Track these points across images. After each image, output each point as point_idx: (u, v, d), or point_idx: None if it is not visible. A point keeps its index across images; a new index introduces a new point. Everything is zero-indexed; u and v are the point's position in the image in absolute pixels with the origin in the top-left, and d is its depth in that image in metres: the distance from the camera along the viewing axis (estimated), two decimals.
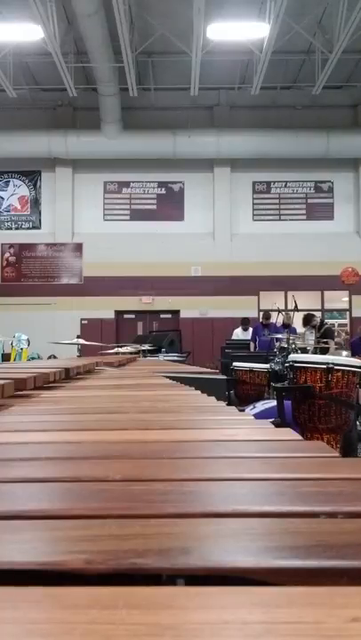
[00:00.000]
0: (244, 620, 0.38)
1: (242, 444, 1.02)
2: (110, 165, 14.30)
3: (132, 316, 14.53)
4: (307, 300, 12.58)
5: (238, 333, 12.14)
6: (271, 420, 2.47)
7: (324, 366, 4.20)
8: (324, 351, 8.16)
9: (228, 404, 1.74)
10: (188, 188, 14.68)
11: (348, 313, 14.65)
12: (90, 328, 13.67)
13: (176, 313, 14.42)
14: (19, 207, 14.81)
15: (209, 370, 5.21)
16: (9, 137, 13.55)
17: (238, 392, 6.20)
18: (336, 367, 4.19)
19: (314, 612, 0.39)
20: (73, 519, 0.59)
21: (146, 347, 8.27)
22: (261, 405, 5.00)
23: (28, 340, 11.33)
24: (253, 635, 0.37)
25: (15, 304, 13.98)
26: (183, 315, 14.31)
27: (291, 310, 8.69)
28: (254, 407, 5.07)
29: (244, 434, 1.11)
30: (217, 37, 10.74)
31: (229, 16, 10.39)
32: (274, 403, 4.69)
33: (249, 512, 0.61)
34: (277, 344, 6.75)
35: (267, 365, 6.04)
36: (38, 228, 14.77)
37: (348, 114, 14.57)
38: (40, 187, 14.76)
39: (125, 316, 14.52)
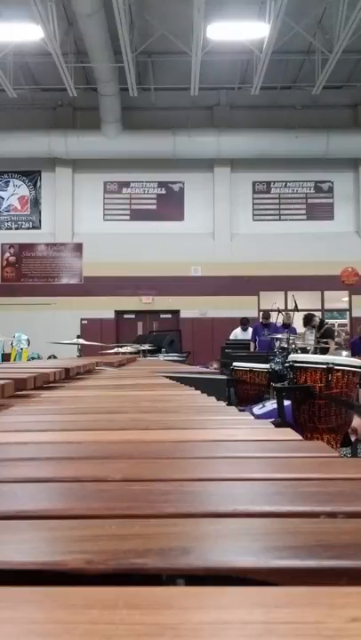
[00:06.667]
0: (244, 620, 0.38)
1: (242, 443, 1.02)
2: (110, 165, 14.30)
3: (132, 316, 14.53)
4: (307, 300, 12.57)
5: (237, 333, 12.14)
6: (272, 419, 2.47)
7: (324, 366, 4.20)
8: (324, 351, 8.16)
9: (228, 404, 1.74)
10: (188, 188, 14.68)
11: (348, 313, 14.66)
12: (90, 328, 13.66)
13: (176, 313, 14.42)
14: (19, 207, 14.81)
15: (209, 370, 5.22)
16: (9, 137, 13.55)
17: (238, 392, 6.20)
18: (336, 367, 4.20)
19: (314, 611, 0.39)
20: (73, 519, 0.59)
21: (146, 347, 8.27)
22: (270, 405, 5.01)
23: (28, 340, 11.33)
24: (253, 635, 0.37)
25: (15, 304, 13.98)
26: (183, 315, 14.31)
27: (291, 310, 8.69)
28: (263, 406, 5.08)
29: (244, 434, 1.11)
30: (217, 37, 10.73)
31: (229, 16, 10.39)
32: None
33: (249, 512, 0.61)
34: (277, 344, 6.75)
35: (267, 365, 6.04)
36: (38, 228, 14.77)
37: (348, 114, 14.57)
38: (40, 187, 14.76)
39: (125, 316, 14.52)
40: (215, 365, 8.44)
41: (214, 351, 11.87)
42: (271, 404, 5.02)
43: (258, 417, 4.75)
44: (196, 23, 9.87)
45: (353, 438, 3.85)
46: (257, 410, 5.09)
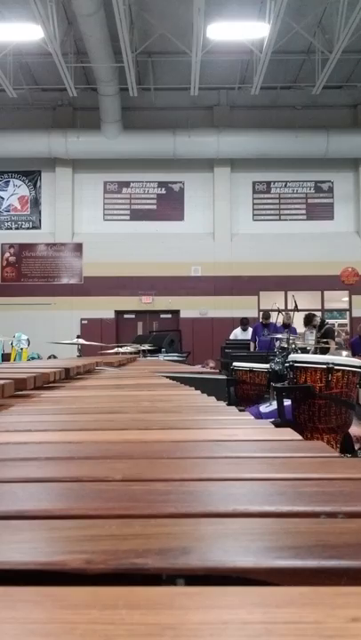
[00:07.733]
0: (244, 620, 0.38)
1: (242, 443, 1.02)
2: (110, 165, 14.30)
3: (132, 316, 14.53)
4: (307, 300, 12.58)
5: (237, 334, 12.15)
6: (271, 419, 2.47)
7: (324, 366, 4.20)
8: (325, 351, 8.16)
9: (228, 404, 1.74)
10: (188, 188, 14.68)
11: (348, 313, 14.66)
12: (90, 328, 13.67)
13: (176, 313, 14.42)
14: (19, 207, 14.81)
15: (206, 369, 5.21)
16: (9, 137, 13.56)
17: (238, 392, 6.20)
18: (336, 367, 4.19)
19: (314, 611, 0.39)
20: (73, 519, 0.59)
21: (146, 347, 8.27)
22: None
23: (28, 340, 11.32)
24: (253, 635, 0.37)
25: (15, 304, 13.98)
26: (183, 315, 14.31)
27: (291, 310, 8.69)
28: (270, 405, 5.09)
29: (244, 434, 1.11)
30: (217, 37, 10.73)
31: (229, 16, 10.39)
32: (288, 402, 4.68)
33: (249, 512, 0.61)
34: (277, 344, 6.75)
35: (267, 365, 6.04)
36: (38, 228, 14.77)
37: (348, 114, 14.57)
38: (40, 187, 14.76)
39: (125, 315, 14.52)
40: (211, 364, 8.44)
41: (214, 351, 11.87)
42: None
43: (265, 415, 4.76)
44: (196, 23, 9.86)
45: (357, 447, 3.85)
46: (264, 408, 5.10)
